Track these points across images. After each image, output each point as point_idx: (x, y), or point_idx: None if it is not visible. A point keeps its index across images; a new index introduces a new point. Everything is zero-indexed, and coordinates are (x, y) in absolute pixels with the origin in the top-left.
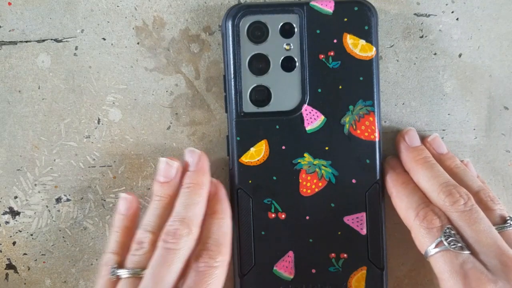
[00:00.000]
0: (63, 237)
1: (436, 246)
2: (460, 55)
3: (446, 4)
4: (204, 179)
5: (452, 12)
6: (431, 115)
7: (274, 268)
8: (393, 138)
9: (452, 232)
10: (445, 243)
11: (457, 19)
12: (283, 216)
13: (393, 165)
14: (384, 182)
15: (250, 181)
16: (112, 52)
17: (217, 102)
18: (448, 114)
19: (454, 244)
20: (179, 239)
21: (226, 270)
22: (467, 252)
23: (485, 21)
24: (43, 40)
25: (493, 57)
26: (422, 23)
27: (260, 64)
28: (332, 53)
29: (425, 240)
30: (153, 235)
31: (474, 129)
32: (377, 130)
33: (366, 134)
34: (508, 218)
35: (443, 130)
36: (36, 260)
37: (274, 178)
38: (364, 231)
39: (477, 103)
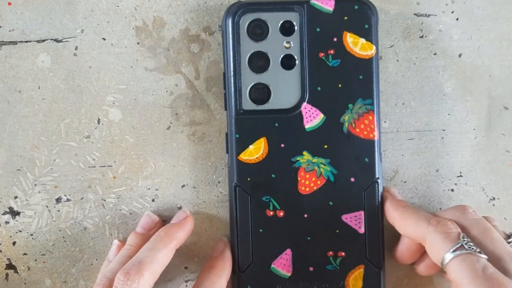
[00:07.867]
0: (63, 237)
1: (456, 250)
2: (460, 55)
3: (446, 4)
4: (178, 233)
5: (452, 12)
6: (431, 115)
7: (272, 265)
8: (393, 138)
9: (468, 239)
10: (465, 246)
11: (457, 19)
12: (281, 213)
13: (392, 193)
14: (383, 209)
15: (248, 179)
16: (112, 52)
17: (217, 102)
18: (448, 114)
19: (473, 249)
20: (128, 281)
21: None
22: (485, 257)
23: (485, 21)
24: (43, 40)
25: (493, 57)
26: (422, 23)
27: (260, 62)
28: (332, 52)
29: (443, 245)
30: (110, 281)
31: (474, 129)
32: (376, 129)
33: (365, 132)
34: (510, 233)
35: (443, 130)
36: (36, 260)
37: (273, 175)
38: (362, 230)
39: (477, 103)
